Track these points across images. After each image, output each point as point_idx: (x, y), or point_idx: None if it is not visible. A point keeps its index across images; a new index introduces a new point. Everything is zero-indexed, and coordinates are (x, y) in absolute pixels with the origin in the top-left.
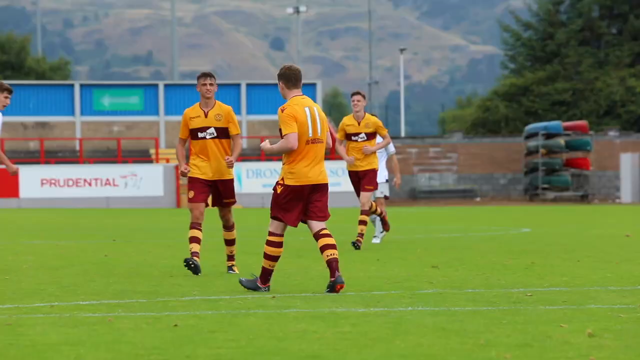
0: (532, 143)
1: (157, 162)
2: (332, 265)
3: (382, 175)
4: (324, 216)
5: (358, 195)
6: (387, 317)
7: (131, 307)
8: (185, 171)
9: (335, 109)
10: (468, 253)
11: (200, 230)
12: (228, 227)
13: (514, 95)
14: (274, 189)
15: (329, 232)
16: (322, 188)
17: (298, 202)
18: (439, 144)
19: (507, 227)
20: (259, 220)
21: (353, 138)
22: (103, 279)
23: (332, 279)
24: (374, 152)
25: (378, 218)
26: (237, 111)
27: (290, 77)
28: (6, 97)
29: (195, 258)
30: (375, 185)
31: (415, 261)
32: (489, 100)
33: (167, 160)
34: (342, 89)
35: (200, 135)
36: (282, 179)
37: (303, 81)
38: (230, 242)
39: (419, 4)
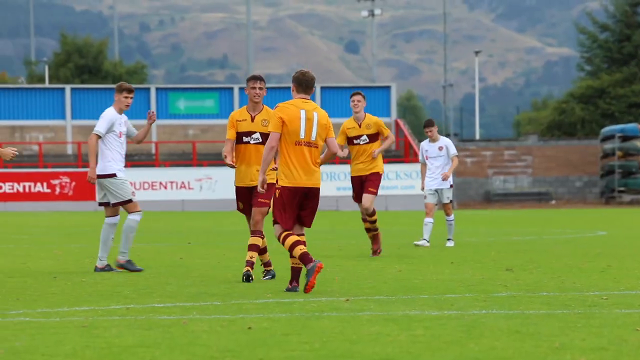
0: (608, 146)
1: None
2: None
3: (447, 182)
4: (308, 223)
5: (357, 200)
6: (461, 320)
7: (206, 309)
8: (233, 163)
9: (409, 111)
10: (543, 256)
11: (261, 237)
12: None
13: (590, 97)
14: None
15: (304, 240)
16: (312, 193)
17: (292, 204)
18: (514, 147)
19: (583, 230)
20: (333, 223)
21: (355, 141)
22: (178, 282)
23: (289, 286)
24: (380, 155)
25: (431, 221)
26: None
27: (301, 82)
28: (126, 97)
29: (247, 268)
30: (377, 188)
31: (490, 264)
32: (565, 103)
33: None
34: (417, 92)
35: (245, 139)
36: (277, 180)
37: (377, 84)
38: (252, 247)
39: (494, 6)
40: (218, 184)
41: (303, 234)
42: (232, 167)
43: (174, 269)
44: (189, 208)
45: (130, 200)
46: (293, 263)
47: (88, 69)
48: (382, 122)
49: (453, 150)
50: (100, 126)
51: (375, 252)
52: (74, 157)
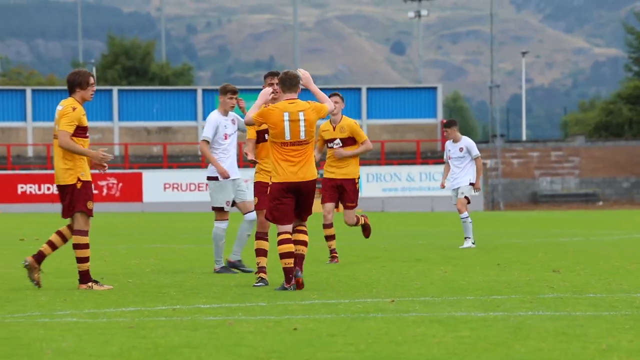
0: None
1: None
2: (296, 260)
3: (466, 179)
4: (305, 217)
5: (326, 202)
6: (507, 322)
7: (251, 310)
8: (255, 159)
9: (455, 112)
10: (590, 257)
11: (267, 240)
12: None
13: (637, 97)
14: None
15: (305, 229)
16: (305, 188)
17: (287, 200)
18: (561, 148)
19: (630, 231)
20: (379, 224)
21: (329, 145)
22: (224, 283)
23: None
24: (354, 160)
25: (466, 216)
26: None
27: (285, 82)
28: (231, 98)
29: (261, 275)
30: (356, 201)
31: (536, 265)
32: (613, 103)
33: None
34: (463, 93)
35: (267, 137)
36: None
37: (423, 84)
38: (261, 253)
39: (541, 7)
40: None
41: (303, 228)
42: (255, 162)
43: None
44: (235, 209)
45: (221, 209)
46: (284, 263)
47: (135, 70)
48: (359, 126)
49: (475, 152)
50: (206, 132)
51: (366, 231)
52: (121, 159)
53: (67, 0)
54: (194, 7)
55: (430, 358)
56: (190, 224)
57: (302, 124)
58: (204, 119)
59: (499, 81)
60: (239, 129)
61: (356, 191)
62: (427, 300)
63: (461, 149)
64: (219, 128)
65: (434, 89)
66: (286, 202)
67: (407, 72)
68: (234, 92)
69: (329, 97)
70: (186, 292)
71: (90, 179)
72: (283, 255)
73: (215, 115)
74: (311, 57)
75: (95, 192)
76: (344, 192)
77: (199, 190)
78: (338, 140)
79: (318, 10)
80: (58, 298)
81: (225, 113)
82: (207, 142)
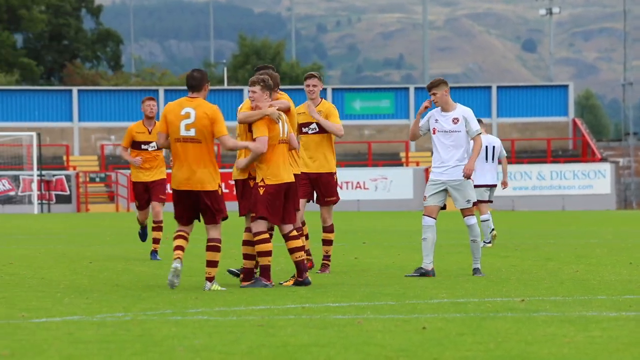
0: None
1: (407, 165)
2: (301, 266)
3: (486, 178)
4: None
5: (305, 198)
6: None
7: (380, 309)
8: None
9: (587, 110)
10: None
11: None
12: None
13: None
14: (256, 189)
15: (296, 234)
16: (292, 188)
17: (279, 201)
18: None
19: None
20: (509, 223)
21: (304, 129)
22: (353, 282)
23: (300, 279)
24: (332, 152)
25: (490, 220)
26: (488, 114)
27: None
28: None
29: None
30: (336, 196)
31: None
32: None
33: (417, 164)
34: (595, 91)
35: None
36: (262, 179)
37: (555, 82)
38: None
39: None
40: (393, 184)
41: (293, 229)
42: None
43: (349, 269)
44: (364, 208)
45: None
46: (295, 257)
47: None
48: (336, 110)
49: (503, 153)
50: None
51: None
52: None
53: (199, 0)
54: (324, 7)
55: (560, 358)
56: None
57: (286, 122)
58: None
59: (632, 79)
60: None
61: (333, 185)
62: (558, 299)
63: (455, 120)
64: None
65: (565, 87)
66: (280, 203)
67: (538, 70)
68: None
69: (305, 79)
70: (315, 291)
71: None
72: (265, 254)
73: None
74: (441, 56)
75: (226, 191)
76: (321, 187)
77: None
78: (315, 125)
79: (448, 8)
80: (189, 296)
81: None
82: None
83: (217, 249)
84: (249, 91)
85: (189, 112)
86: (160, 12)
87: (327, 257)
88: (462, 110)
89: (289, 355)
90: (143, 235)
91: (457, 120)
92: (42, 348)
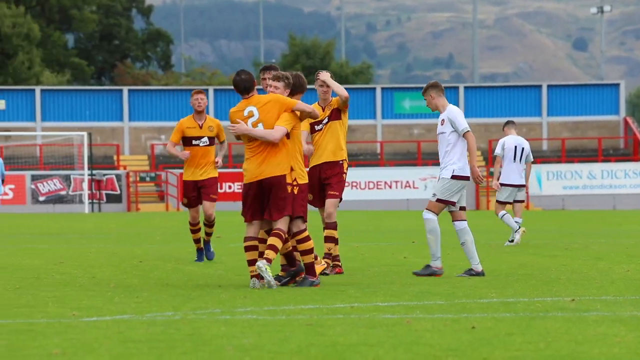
0: None
1: None
2: (292, 255)
3: (511, 178)
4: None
5: (316, 204)
6: None
7: (429, 308)
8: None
9: (639, 109)
10: None
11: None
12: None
13: None
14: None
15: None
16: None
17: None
18: None
19: None
20: (559, 222)
21: (317, 127)
22: (402, 281)
23: (293, 268)
24: (343, 143)
25: (512, 218)
26: (538, 113)
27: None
28: None
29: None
30: (341, 191)
31: None
32: None
33: None
34: None
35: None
36: (295, 179)
37: (606, 81)
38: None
39: None
40: None
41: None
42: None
43: (398, 268)
44: (413, 207)
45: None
46: (304, 260)
47: (315, 69)
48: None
49: (530, 157)
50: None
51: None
52: None
53: (249, 0)
54: (373, 6)
55: (611, 358)
56: (369, 221)
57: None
58: (383, 117)
59: None
60: None
61: (341, 181)
62: (609, 299)
63: (442, 122)
64: None
65: (617, 85)
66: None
67: (589, 68)
68: None
69: (317, 77)
70: (364, 290)
71: None
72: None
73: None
74: (491, 55)
75: None
76: (328, 179)
77: (377, 188)
78: (325, 121)
79: (498, 7)
80: (238, 295)
81: None
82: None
83: (280, 237)
84: (269, 85)
85: (252, 110)
86: (211, 12)
87: (328, 255)
88: (447, 112)
89: (338, 355)
90: (199, 257)
91: (443, 122)
92: (93, 347)
